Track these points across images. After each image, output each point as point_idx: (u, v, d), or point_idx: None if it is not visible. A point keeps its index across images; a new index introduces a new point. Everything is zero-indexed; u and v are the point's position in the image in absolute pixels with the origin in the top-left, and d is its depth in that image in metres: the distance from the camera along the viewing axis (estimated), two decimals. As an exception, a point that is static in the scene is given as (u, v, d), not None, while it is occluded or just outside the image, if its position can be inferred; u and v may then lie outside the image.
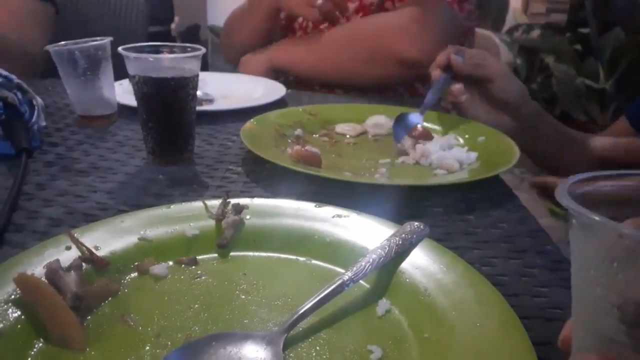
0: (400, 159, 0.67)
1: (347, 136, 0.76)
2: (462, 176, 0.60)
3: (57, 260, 0.37)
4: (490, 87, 0.75)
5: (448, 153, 0.65)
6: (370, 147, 0.73)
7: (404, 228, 0.43)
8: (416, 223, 0.43)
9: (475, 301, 0.36)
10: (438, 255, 0.41)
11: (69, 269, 0.37)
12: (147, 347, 0.33)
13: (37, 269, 0.37)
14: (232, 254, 0.44)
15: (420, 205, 0.55)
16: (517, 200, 0.58)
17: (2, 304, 0.34)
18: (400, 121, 0.74)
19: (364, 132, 0.77)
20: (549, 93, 2.68)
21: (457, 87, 0.76)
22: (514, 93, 0.77)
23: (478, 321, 0.34)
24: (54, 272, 0.36)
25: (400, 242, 0.41)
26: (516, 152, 0.63)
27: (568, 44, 2.74)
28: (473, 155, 0.65)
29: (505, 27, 3.03)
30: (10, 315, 0.33)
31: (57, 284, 0.36)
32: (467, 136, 0.73)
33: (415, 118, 0.75)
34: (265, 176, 0.62)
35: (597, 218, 0.22)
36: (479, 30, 1.69)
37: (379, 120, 0.77)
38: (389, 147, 0.72)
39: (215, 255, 0.43)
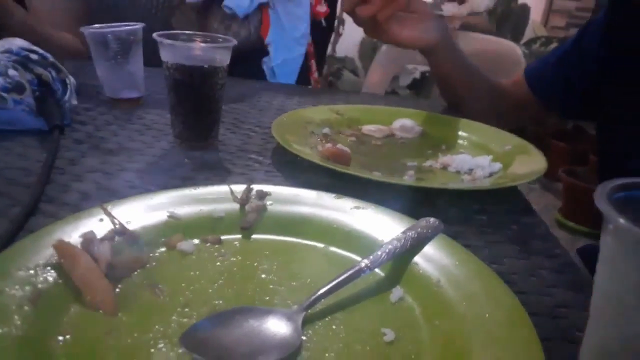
0: (428, 163, 0.68)
1: (374, 137, 0.77)
2: (483, 184, 0.62)
3: (92, 231, 0.40)
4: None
5: (473, 161, 0.66)
6: (397, 150, 0.74)
7: (419, 223, 0.45)
8: (432, 219, 0.45)
9: (485, 294, 0.38)
10: (451, 250, 0.42)
11: (103, 239, 0.39)
12: (174, 317, 0.35)
13: (73, 237, 0.39)
14: (253, 236, 0.46)
15: (437, 205, 0.57)
16: (529, 206, 0.60)
17: (42, 268, 0.36)
18: None
19: (391, 135, 0.78)
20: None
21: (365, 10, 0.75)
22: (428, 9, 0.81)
23: (487, 312, 0.36)
24: (89, 242, 0.39)
25: (415, 236, 0.43)
26: (540, 168, 0.64)
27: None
28: (497, 165, 0.66)
29: (524, 39, 3.02)
30: (49, 278, 0.36)
31: (92, 253, 0.38)
32: (493, 144, 0.74)
33: None
34: (288, 168, 0.64)
35: (628, 224, 0.23)
36: (502, 40, 1.70)
37: (406, 123, 0.78)
38: (416, 151, 0.73)
39: (238, 236, 0.46)
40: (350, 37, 2.59)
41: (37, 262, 0.36)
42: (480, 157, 0.69)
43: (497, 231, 0.53)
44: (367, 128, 0.78)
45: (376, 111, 0.85)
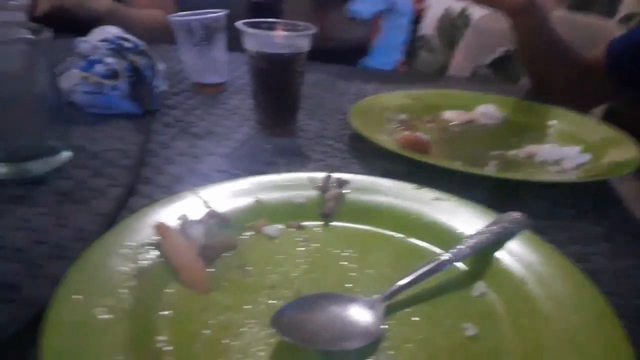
0: (512, 152, 0.66)
1: (453, 124, 0.76)
2: (571, 177, 0.59)
3: (187, 214, 0.43)
4: None
5: (561, 151, 0.64)
6: (479, 137, 0.72)
7: (504, 217, 0.44)
8: (517, 213, 0.44)
9: (572, 295, 0.37)
10: (537, 247, 0.41)
11: (197, 222, 0.42)
12: (262, 297, 0.37)
13: (170, 219, 0.42)
14: (333, 224, 0.47)
15: (521, 198, 0.55)
16: (620, 199, 0.57)
17: (143, 246, 0.39)
18: None
19: (472, 121, 0.76)
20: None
21: None
22: None
23: (574, 315, 0.35)
24: (185, 224, 0.41)
25: (500, 231, 0.42)
26: (634, 160, 0.60)
27: None
28: (586, 156, 0.63)
29: (619, 15, 2.79)
30: (150, 257, 0.39)
31: (187, 235, 0.41)
32: (582, 134, 0.71)
33: None
34: (365, 155, 0.64)
35: None
36: (588, 19, 1.59)
37: (489, 109, 0.76)
38: (499, 139, 0.71)
39: (318, 223, 0.47)
40: (428, 14, 2.51)
41: (139, 241, 0.40)
42: (568, 147, 0.66)
43: (586, 227, 0.51)
44: (447, 114, 0.77)
45: (456, 96, 0.83)
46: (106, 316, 0.32)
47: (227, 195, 0.47)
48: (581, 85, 0.88)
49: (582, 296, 0.36)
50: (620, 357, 0.31)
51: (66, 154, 0.58)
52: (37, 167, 0.54)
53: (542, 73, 0.90)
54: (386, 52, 1.23)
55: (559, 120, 0.75)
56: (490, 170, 0.59)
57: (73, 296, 0.33)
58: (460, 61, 1.53)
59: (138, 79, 0.74)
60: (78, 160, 0.58)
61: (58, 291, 0.33)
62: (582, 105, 0.76)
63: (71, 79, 0.72)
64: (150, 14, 1.19)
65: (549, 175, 0.60)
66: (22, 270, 0.40)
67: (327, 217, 0.47)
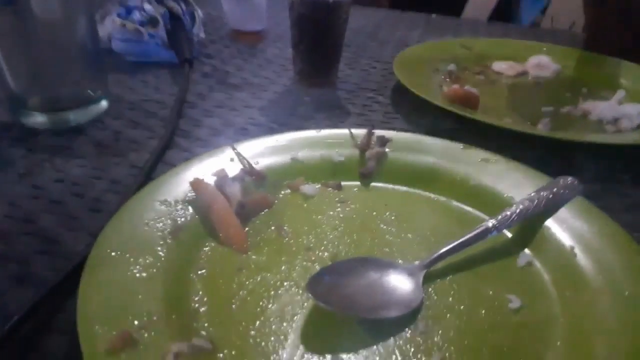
0: (566, 109, 0.62)
1: (505, 75, 0.71)
2: (628, 138, 0.55)
3: (224, 170, 0.42)
4: None
5: (620, 109, 0.59)
6: (531, 91, 0.68)
7: (556, 182, 0.41)
8: (569, 178, 0.41)
9: (626, 268, 0.34)
10: (589, 216, 0.39)
11: (234, 179, 0.41)
12: (299, 259, 0.36)
13: (206, 175, 0.42)
14: (373, 184, 0.45)
15: (573, 159, 0.52)
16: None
17: (180, 203, 0.39)
18: None
19: (524, 73, 0.72)
20: None
21: None
22: None
23: (627, 290, 0.33)
24: (222, 181, 0.41)
25: (550, 197, 0.40)
26: None
27: None
28: None
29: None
30: (187, 214, 0.38)
31: (224, 192, 0.40)
32: None
33: None
34: (408, 108, 0.61)
35: None
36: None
37: (542, 60, 0.71)
38: (553, 93, 0.67)
39: (358, 183, 0.45)
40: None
41: (175, 197, 0.39)
42: (629, 104, 0.61)
43: (643, 194, 0.47)
44: (498, 65, 0.72)
45: (508, 45, 0.78)
46: (143, 274, 0.32)
47: (265, 152, 0.46)
48: None
49: (636, 270, 0.34)
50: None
51: (104, 104, 0.57)
52: (76, 116, 0.54)
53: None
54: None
55: (619, 74, 0.70)
56: (542, 129, 0.55)
57: (111, 253, 0.33)
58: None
59: (176, 27, 0.72)
60: (115, 110, 0.58)
61: (95, 247, 0.33)
62: None
63: (109, 26, 0.71)
64: None
65: (605, 136, 0.55)
66: (60, 223, 0.40)
67: (367, 177, 0.45)
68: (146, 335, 0.28)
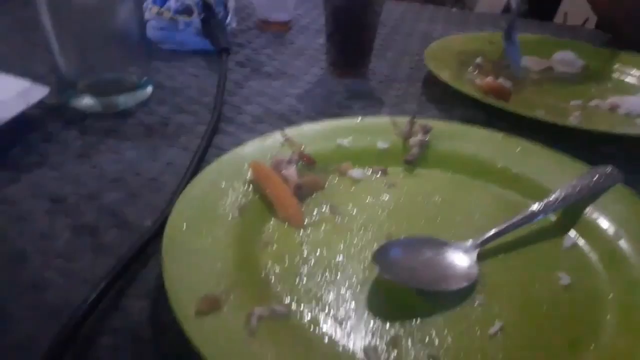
0: (594, 102, 0.64)
1: (531, 70, 0.73)
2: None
3: (280, 153, 0.44)
4: None
5: None
6: (558, 86, 0.70)
7: (596, 170, 0.43)
8: (609, 167, 0.44)
9: (667, 252, 0.36)
10: (630, 202, 0.41)
11: (289, 161, 0.43)
12: (354, 236, 0.39)
13: (262, 157, 0.44)
14: (417, 170, 0.47)
15: (604, 151, 0.54)
16: None
17: (241, 183, 0.41)
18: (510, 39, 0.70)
19: (549, 68, 0.74)
20: None
21: None
22: None
23: (670, 270, 0.35)
24: (279, 163, 0.43)
25: (591, 184, 0.42)
26: None
27: None
28: None
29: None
30: (248, 193, 0.40)
31: (281, 174, 0.42)
32: None
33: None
34: (440, 100, 0.63)
35: None
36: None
37: (567, 56, 0.73)
38: (579, 88, 0.69)
39: (403, 169, 0.47)
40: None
41: (236, 178, 0.41)
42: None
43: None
44: (524, 60, 0.74)
45: (533, 41, 0.80)
46: (217, 245, 0.34)
47: (312, 138, 0.48)
48: None
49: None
50: None
51: (149, 89, 0.59)
52: (124, 100, 0.56)
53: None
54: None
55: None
56: (575, 120, 0.57)
57: (184, 226, 0.35)
58: None
59: (209, 16, 0.74)
60: (159, 95, 0.60)
61: (170, 221, 0.35)
62: None
63: (146, 14, 0.73)
64: None
65: (633, 129, 0.58)
66: (123, 200, 0.42)
67: (411, 163, 0.47)
68: (230, 298, 0.30)
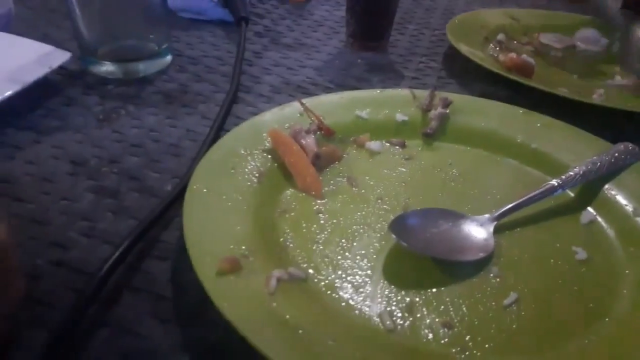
0: (616, 81, 0.63)
1: (553, 48, 0.72)
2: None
3: (299, 122, 0.44)
4: None
5: None
6: (580, 64, 0.69)
7: (616, 147, 0.43)
8: (630, 144, 0.43)
9: (686, 230, 0.36)
10: (650, 180, 0.41)
11: (308, 131, 0.44)
12: (372, 206, 0.39)
13: (281, 126, 0.44)
14: (435, 143, 0.47)
15: (627, 130, 0.53)
16: None
17: (260, 152, 0.41)
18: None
19: (572, 46, 0.72)
20: None
21: None
22: None
23: (689, 249, 0.35)
24: (298, 132, 0.43)
25: (612, 161, 0.41)
26: None
27: None
28: None
29: None
30: (267, 161, 0.41)
31: (300, 142, 0.42)
32: None
33: None
34: (461, 74, 0.63)
35: None
36: None
37: (590, 34, 0.71)
38: (602, 66, 0.67)
39: (421, 142, 0.47)
40: None
41: (255, 146, 0.42)
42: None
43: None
44: (546, 37, 0.73)
45: (556, 17, 0.78)
46: (236, 210, 0.35)
47: (330, 109, 0.48)
48: None
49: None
50: None
51: (169, 57, 0.59)
52: (144, 67, 0.56)
53: None
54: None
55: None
56: (598, 99, 0.56)
57: (204, 190, 0.35)
58: None
59: (229, -15, 0.73)
60: (178, 63, 0.60)
61: (190, 185, 0.35)
62: None
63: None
64: None
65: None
66: (143, 164, 0.43)
67: (430, 136, 0.47)
68: (250, 260, 0.31)
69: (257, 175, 0.39)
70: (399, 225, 0.35)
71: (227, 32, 0.70)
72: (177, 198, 0.37)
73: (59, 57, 0.52)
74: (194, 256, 0.30)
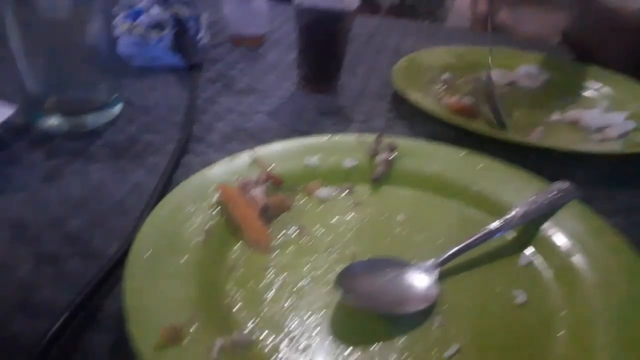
0: (555, 117, 0.66)
1: (496, 84, 0.74)
2: (616, 147, 0.59)
3: (247, 174, 0.44)
4: None
5: (605, 117, 0.63)
6: (522, 100, 0.71)
7: (553, 187, 0.45)
8: (566, 183, 0.45)
9: (619, 267, 0.38)
10: (584, 218, 0.42)
11: (256, 182, 0.44)
12: (320, 259, 0.39)
13: (229, 179, 0.44)
14: (383, 187, 0.48)
15: (566, 165, 0.55)
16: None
17: (207, 206, 0.41)
18: None
19: (513, 82, 0.75)
20: None
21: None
22: None
23: (622, 286, 0.36)
24: (246, 184, 0.43)
25: (548, 201, 0.43)
26: None
27: None
28: (630, 124, 0.62)
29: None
30: (215, 216, 0.41)
31: (248, 195, 0.43)
32: (629, 99, 0.70)
33: None
34: (409, 115, 0.64)
35: None
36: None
37: (531, 70, 0.75)
38: (542, 102, 0.71)
39: (369, 187, 0.48)
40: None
41: (203, 200, 0.42)
42: (613, 113, 0.65)
43: (631, 196, 0.51)
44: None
45: (498, 55, 0.81)
46: (180, 273, 0.34)
47: (280, 157, 0.48)
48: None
49: (630, 270, 0.37)
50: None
51: (118, 108, 0.59)
52: (93, 120, 0.56)
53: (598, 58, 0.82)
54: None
55: (604, 83, 0.74)
56: (536, 136, 0.59)
57: (147, 253, 0.35)
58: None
59: (182, 31, 0.74)
60: (128, 113, 0.60)
61: (133, 248, 0.35)
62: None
63: (116, 29, 0.72)
64: None
65: (594, 146, 0.59)
66: (87, 225, 0.42)
67: (377, 181, 0.48)
68: (191, 330, 0.30)
69: (204, 232, 0.39)
70: (344, 279, 0.35)
71: (180, 79, 0.71)
72: (120, 262, 0.36)
73: (3, 111, 0.52)
74: (133, 328, 0.29)
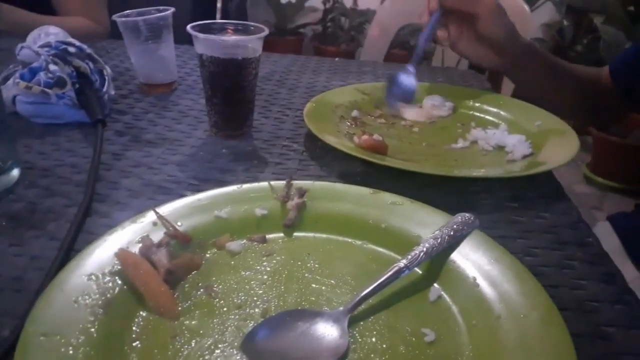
0: (459, 144, 0.69)
1: (403, 118, 0.78)
2: (515, 169, 0.62)
3: (149, 237, 0.43)
4: (477, 23, 0.76)
5: (505, 140, 0.68)
6: (429, 130, 0.75)
7: (455, 219, 0.47)
8: (467, 215, 0.47)
9: (520, 293, 0.39)
10: (486, 247, 0.44)
11: (159, 245, 0.43)
12: (230, 319, 0.38)
13: (131, 244, 0.42)
14: (295, 234, 0.48)
15: (469, 193, 0.58)
16: (562, 190, 0.61)
17: (107, 275, 0.39)
18: (393, 81, 0.78)
19: (420, 114, 0.79)
20: (595, 57, 2.57)
21: (441, 34, 0.79)
22: (501, 31, 0.77)
23: (522, 312, 0.38)
24: (147, 249, 0.42)
25: (451, 233, 0.45)
26: (573, 147, 0.64)
27: (620, 5, 2.60)
28: (528, 146, 0.66)
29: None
30: (115, 286, 0.39)
31: (151, 259, 0.41)
32: (523, 120, 0.75)
33: (407, 78, 0.78)
34: (320, 154, 0.65)
35: None
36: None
37: (436, 100, 0.78)
38: (448, 129, 0.74)
39: (282, 234, 0.48)
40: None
41: (102, 269, 0.40)
42: (513, 135, 0.69)
43: (530, 220, 0.54)
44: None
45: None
46: (77, 355, 0.32)
47: (187, 212, 0.47)
48: (583, 104, 0.89)
49: (529, 295, 0.39)
50: (562, 355, 0.34)
51: (15, 173, 0.56)
52: (-15, 190, 0.53)
53: (543, 101, 0.84)
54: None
55: (501, 107, 0.79)
56: (442, 169, 0.61)
57: (40, 337, 0.33)
58: (375, 37, 1.47)
59: (85, 86, 0.72)
60: (28, 178, 0.57)
61: (24, 332, 0.33)
62: (599, 121, 0.78)
63: (12, 88, 0.69)
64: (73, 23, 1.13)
65: (496, 171, 0.62)
66: (-19, 306, 0.39)
67: (289, 227, 0.48)
68: (86, 419, 0.28)
69: (104, 304, 0.37)
70: (252, 342, 0.35)
71: (84, 135, 0.68)
72: (13, 347, 0.34)
73: None
74: None
